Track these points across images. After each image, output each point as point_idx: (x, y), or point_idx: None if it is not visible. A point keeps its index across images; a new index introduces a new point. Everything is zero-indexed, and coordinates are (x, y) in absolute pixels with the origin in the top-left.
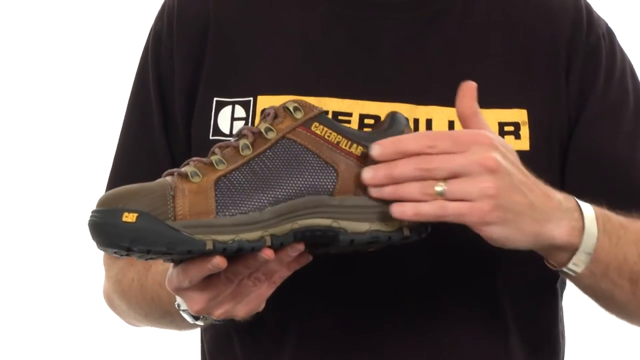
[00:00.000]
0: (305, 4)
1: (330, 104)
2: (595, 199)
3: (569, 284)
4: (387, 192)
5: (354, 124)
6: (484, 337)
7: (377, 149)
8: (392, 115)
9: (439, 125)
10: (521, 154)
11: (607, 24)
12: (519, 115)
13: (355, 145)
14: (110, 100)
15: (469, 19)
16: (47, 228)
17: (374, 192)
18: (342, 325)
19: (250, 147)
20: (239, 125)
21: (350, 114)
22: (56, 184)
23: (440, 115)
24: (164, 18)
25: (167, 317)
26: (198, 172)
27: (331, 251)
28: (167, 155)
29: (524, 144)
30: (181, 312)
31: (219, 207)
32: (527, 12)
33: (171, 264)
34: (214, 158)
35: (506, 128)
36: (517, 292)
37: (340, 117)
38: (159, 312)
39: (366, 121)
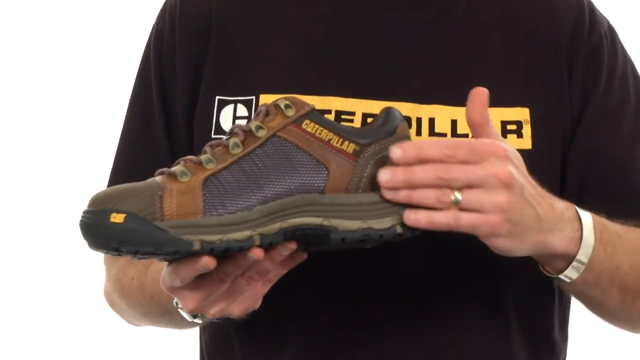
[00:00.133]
0: (307, 3)
1: (333, 103)
2: (595, 200)
3: None
4: (402, 195)
5: (357, 123)
6: (486, 336)
7: (398, 153)
8: (387, 111)
9: (442, 124)
10: (523, 152)
11: (609, 22)
12: (522, 113)
13: (347, 142)
14: (111, 98)
15: (470, 19)
16: (48, 227)
17: (389, 194)
18: (342, 324)
19: (240, 145)
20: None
21: (353, 113)
22: (58, 183)
23: (442, 114)
24: (165, 16)
25: (167, 315)
26: (187, 171)
27: (325, 249)
28: (169, 154)
29: (526, 142)
30: (179, 310)
31: (206, 207)
32: (529, 11)
33: (166, 263)
34: (203, 157)
35: (509, 127)
36: (519, 290)
37: (343, 116)
38: (158, 310)
39: (369, 120)
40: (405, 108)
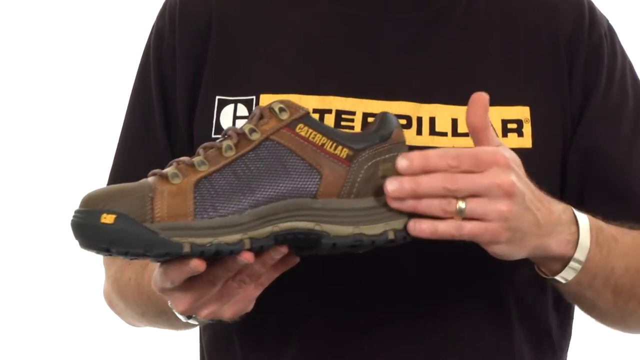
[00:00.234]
0: (307, 2)
1: (334, 103)
2: (594, 200)
3: None
4: (408, 205)
5: (358, 123)
6: (487, 334)
7: (404, 163)
8: (383, 116)
9: (442, 123)
10: (524, 151)
11: (608, 22)
12: (522, 112)
13: (340, 147)
14: (111, 98)
15: (470, 19)
16: (48, 228)
17: (395, 204)
18: (342, 325)
19: (233, 148)
20: (241, 124)
21: (353, 113)
22: (58, 182)
23: (443, 113)
24: (165, 16)
25: (163, 316)
26: (178, 173)
27: (318, 253)
28: (168, 154)
29: (527, 141)
30: (174, 311)
31: (197, 209)
32: (529, 11)
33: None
34: (195, 159)
35: (509, 125)
36: (519, 287)
37: (343, 116)
38: (154, 310)
39: (369, 120)
40: (405, 107)
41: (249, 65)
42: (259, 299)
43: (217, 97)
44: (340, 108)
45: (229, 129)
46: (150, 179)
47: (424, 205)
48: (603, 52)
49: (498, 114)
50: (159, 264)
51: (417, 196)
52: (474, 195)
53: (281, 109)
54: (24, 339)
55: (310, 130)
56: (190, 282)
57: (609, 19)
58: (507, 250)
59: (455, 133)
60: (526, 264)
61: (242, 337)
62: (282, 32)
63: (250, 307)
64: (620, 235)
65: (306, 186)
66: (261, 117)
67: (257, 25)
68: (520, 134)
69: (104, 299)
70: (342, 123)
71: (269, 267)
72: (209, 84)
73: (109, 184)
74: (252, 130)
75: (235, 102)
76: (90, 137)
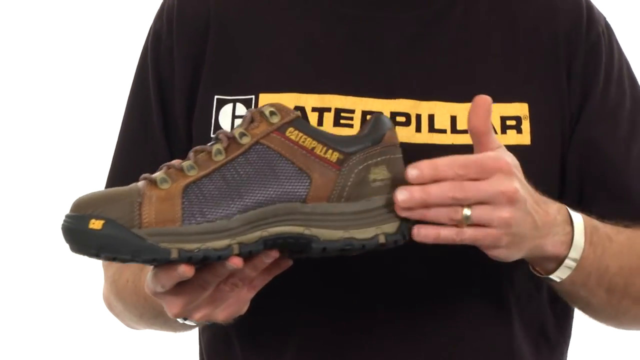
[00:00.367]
0: (307, 2)
1: (333, 101)
2: (592, 200)
3: None
4: (416, 214)
5: (357, 121)
6: (487, 333)
7: (414, 174)
8: (375, 119)
9: (441, 120)
10: (522, 148)
11: (605, 20)
12: (521, 109)
13: (330, 151)
14: (109, 99)
15: (470, 18)
16: (48, 228)
17: (404, 213)
18: (342, 326)
19: (223, 152)
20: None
21: (352, 111)
22: (57, 184)
23: (442, 110)
24: (163, 17)
25: (160, 317)
26: (167, 178)
27: (310, 256)
28: (167, 155)
29: (525, 138)
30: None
31: (185, 215)
32: (529, 11)
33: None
34: (185, 164)
35: (508, 122)
36: (519, 286)
37: (342, 114)
38: (152, 312)
39: (368, 117)
40: (404, 105)
41: (248, 65)
42: (258, 300)
43: (216, 97)
44: (339, 106)
45: (219, 132)
46: (140, 184)
47: (432, 214)
48: (601, 50)
49: (497, 111)
50: (152, 266)
51: (427, 205)
52: (479, 202)
53: (272, 113)
54: (24, 339)
55: (301, 134)
56: (181, 287)
57: (609, 19)
58: (506, 253)
59: (454, 130)
60: (524, 263)
61: (241, 338)
62: (281, 31)
63: (244, 309)
64: (615, 235)
65: (296, 190)
66: (252, 120)
67: (256, 25)
68: (519, 131)
69: (103, 301)
70: (341, 121)
71: (260, 271)
72: (208, 83)
73: (107, 184)
74: (242, 134)
75: (234, 102)
76: (89, 138)
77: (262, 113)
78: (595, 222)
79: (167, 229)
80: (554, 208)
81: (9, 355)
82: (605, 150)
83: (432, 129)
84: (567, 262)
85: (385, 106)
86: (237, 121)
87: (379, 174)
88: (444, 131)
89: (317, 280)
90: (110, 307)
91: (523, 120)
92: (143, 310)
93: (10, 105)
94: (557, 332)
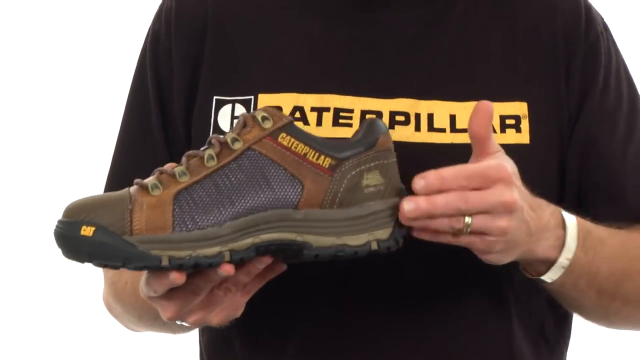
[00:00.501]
0: (306, 2)
1: (332, 101)
2: (589, 200)
3: None
4: (420, 224)
5: (356, 120)
6: (487, 332)
7: (421, 184)
8: (369, 123)
9: (441, 119)
10: (521, 147)
11: (603, 20)
12: (520, 108)
13: (322, 156)
14: (108, 100)
15: (470, 18)
16: (48, 228)
17: (409, 223)
18: (342, 326)
19: (215, 157)
20: None
21: (351, 111)
22: (56, 185)
23: (441, 109)
24: (162, 18)
25: (159, 319)
26: (159, 184)
27: (304, 260)
28: (166, 156)
29: (524, 137)
30: None
31: (176, 222)
32: (529, 11)
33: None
34: (177, 169)
35: (507, 121)
36: (519, 285)
37: (341, 114)
38: (150, 314)
39: (367, 117)
40: (403, 104)
41: (247, 65)
42: (257, 301)
43: (215, 97)
44: (338, 106)
45: (212, 137)
46: (132, 189)
47: (436, 224)
48: (600, 51)
49: (496, 110)
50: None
51: (432, 216)
52: (480, 212)
53: (264, 118)
54: (25, 340)
55: (293, 140)
56: (174, 291)
57: (608, 19)
58: (499, 258)
59: (453, 129)
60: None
61: (241, 338)
62: (280, 31)
63: (239, 312)
64: (608, 238)
65: (288, 197)
66: (244, 125)
67: (255, 25)
68: (518, 130)
69: (102, 302)
70: (340, 121)
71: (254, 276)
72: (207, 84)
73: (107, 184)
74: (234, 140)
75: (233, 102)
76: (88, 139)
77: (254, 118)
78: (589, 225)
79: (157, 237)
80: (548, 212)
81: (9, 355)
82: (603, 150)
83: (431, 128)
84: (558, 264)
85: (384, 106)
86: (236, 121)
87: (372, 180)
88: (443, 130)
89: (317, 280)
90: (109, 308)
91: (522, 120)
92: (142, 312)
93: (9, 106)
94: (557, 333)
